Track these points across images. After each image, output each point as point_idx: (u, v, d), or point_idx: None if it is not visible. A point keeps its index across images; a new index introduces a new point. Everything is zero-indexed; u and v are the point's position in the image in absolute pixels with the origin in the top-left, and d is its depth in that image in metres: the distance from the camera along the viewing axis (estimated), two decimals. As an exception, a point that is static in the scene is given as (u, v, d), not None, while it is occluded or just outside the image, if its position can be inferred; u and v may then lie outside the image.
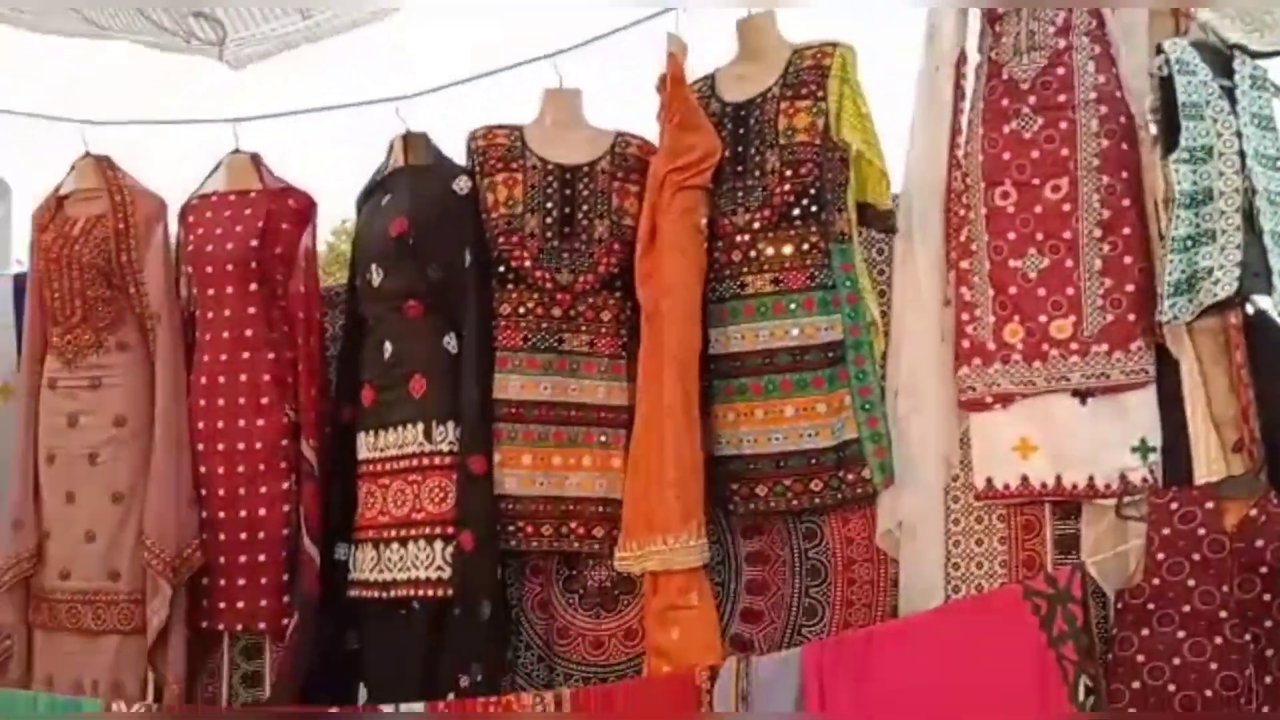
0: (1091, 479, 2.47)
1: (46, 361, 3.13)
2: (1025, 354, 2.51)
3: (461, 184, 2.96)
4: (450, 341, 2.91)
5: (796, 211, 2.71)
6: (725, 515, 2.87)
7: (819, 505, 2.72)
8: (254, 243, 3.08)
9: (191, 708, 3.05)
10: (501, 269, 2.89)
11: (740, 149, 2.79)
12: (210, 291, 3.11)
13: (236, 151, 3.24)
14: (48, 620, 3.05)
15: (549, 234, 2.89)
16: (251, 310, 3.09)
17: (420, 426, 2.89)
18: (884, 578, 2.78)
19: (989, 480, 2.57)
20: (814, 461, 2.67)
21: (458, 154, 3.05)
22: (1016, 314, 2.53)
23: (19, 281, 3.31)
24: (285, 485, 3.05)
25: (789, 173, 2.72)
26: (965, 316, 2.60)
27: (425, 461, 2.89)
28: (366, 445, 3.00)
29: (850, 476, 2.66)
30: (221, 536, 3.05)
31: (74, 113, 3.28)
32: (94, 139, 3.25)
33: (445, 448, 2.88)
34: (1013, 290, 2.53)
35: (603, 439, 2.88)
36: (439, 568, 2.84)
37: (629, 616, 2.96)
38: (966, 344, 2.59)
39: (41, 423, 3.10)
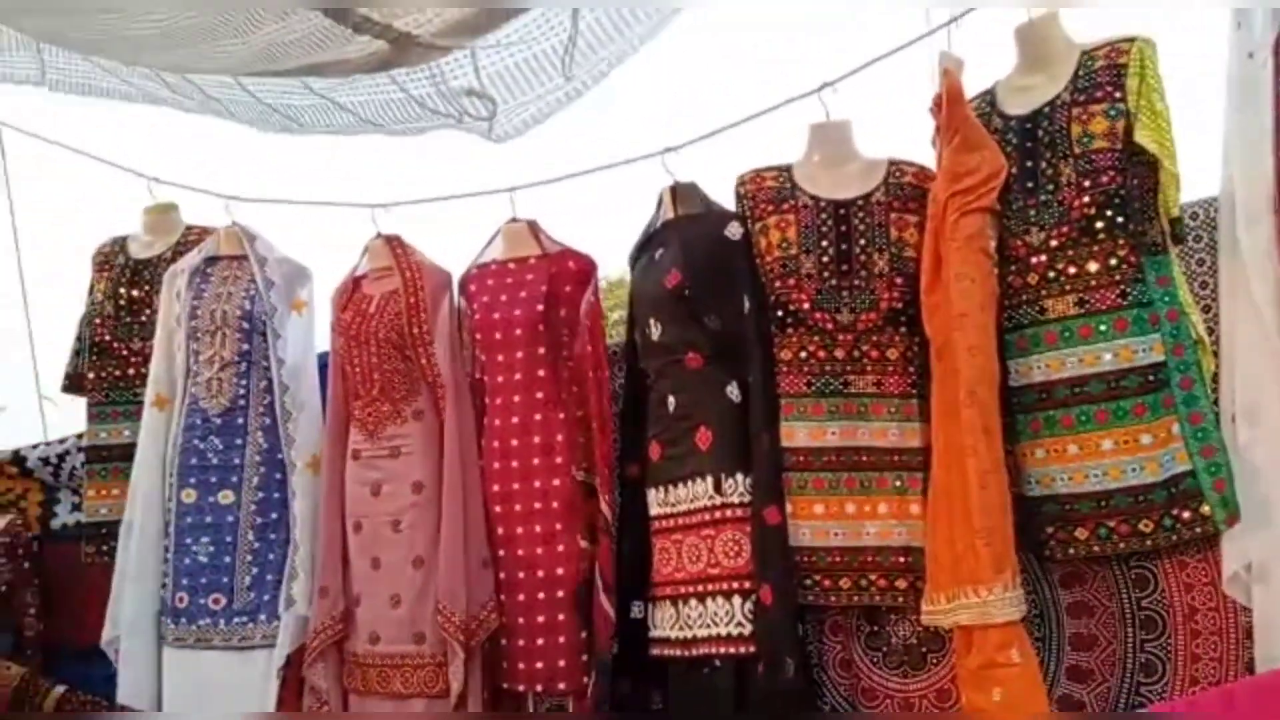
0: None
1: (350, 433, 3.28)
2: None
3: (733, 230, 2.91)
4: (733, 390, 2.84)
5: (1100, 224, 2.48)
6: (1040, 562, 2.64)
7: (1150, 547, 2.44)
8: (540, 307, 3.14)
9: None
10: (780, 313, 2.80)
11: (1029, 164, 2.59)
12: (500, 357, 3.18)
13: (514, 220, 3.32)
14: (360, 684, 3.16)
15: (826, 273, 2.78)
16: (541, 373, 3.13)
17: (710, 480, 2.83)
18: (1234, 628, 2.46)
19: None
20: (1141, 499, 2.41)
21: (726, 199, 3.00)
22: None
23: (321, 359, 3.50)
24: (583, 544, 3.06)
25: (1087, 183, 2.50)
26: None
27: (717, 515, 2.82)
28: (657, 501, 2.96)
29: (1186, 515, 2.38)
30: (520, 597, 3.08)
31: (362, 197, 3.47)
32: (381, 220, 3.42)
33: (736, 499, 2.80)
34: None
35: (898, 484, 2.71)
36: (739, 623, 2.75)
37: (940, 676, 2.76)
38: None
39: (348, 492, 3.25)
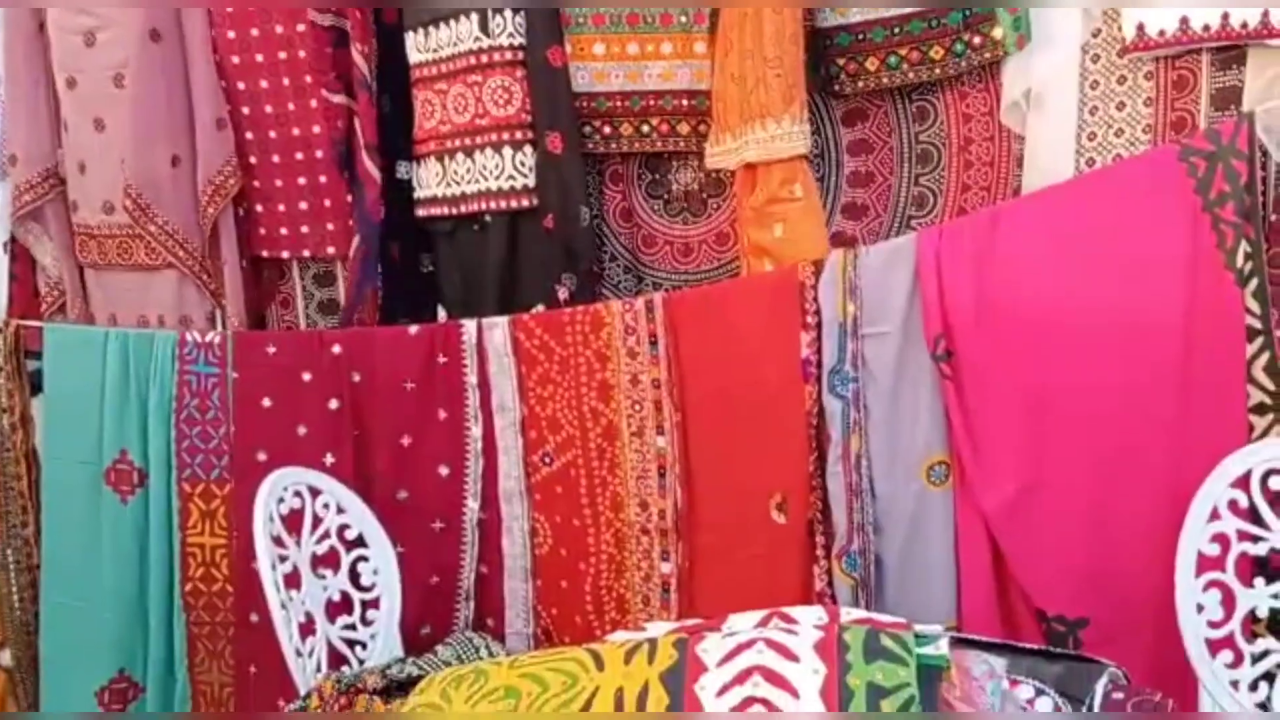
0: (1266, 17, 2.10)
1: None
2: None
3: None
4: (503, -92, 2.52)
5: None
6: (825, 100, 2.57)
7: (939, 76, 2.40)
8: None
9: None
10: None
11: None
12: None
13: None
14: (97, 257, 2.89)
15: None
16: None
17: (475, 18, 2.56)
18: (1007, 157, 2.49)
19: (1140, 28, 2.22)
20: (936, 24, 2.32)
21: None
22: None
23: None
24: (336, 99, 2.76)
25: None
26: None
27: (484, 59, 2.59)
28: (417, 47, 2.68)
29: (977, 40, 2.32)
30: (275, 159, 2.81)
31: None
32: None
33: (505, 41, 2.56)
34: None
35: (683, 20, 2.53)
36: (510, 176, 2.61)
37: (719, 220, 2.73)
38: None
39: (54, 42, 2.79)
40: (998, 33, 2.31)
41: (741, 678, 1.11)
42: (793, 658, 1.13)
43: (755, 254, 2.49)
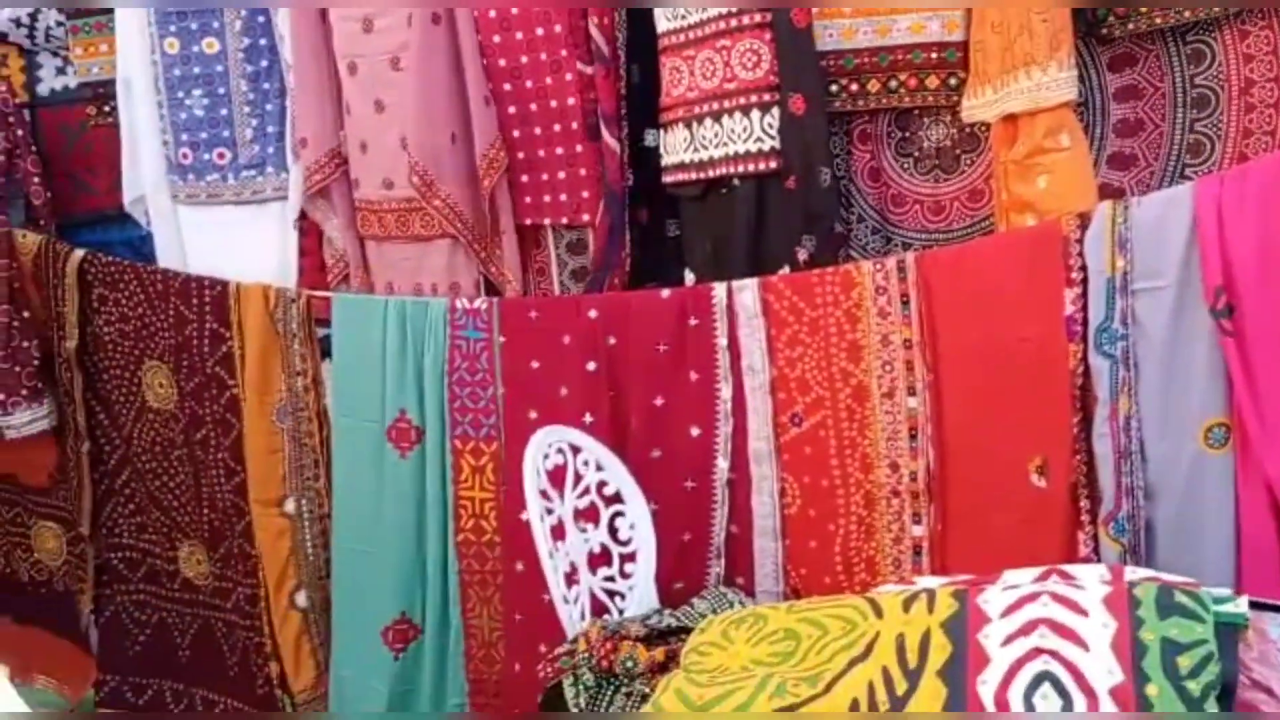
0: None
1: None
2: None
3: None
4: None
5: None
6: (1090, 44, 2.45)
7: (1216, 14, 2.24)
8: None
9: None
10: None
11: None
12: None
13: None
14: (376, 229, 3.10)
15: None
16: None
17: (725, -17, 2.59)
18: (1295, 97, 2.31)
19: None
20: (1216, -46, 2.18)
21: None
22: None
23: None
24: (587, 70, 2.85)
25: None
26: None
27: (733, 22, 2.61)
28: (665, 15, 2.74)
29: (1261, -30, 2.16)
30: (536, 130, 2.94)
31: None
32: None
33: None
34: None
35: (937, -31, 2.47)
36: (759, 139, 2.63)
37: (973, 176, 2.65)
38: None
39: (335, 29, 3.01)
40: (1287, -39, 2.15)
41: (1027, 629, 1.09)
42: (1081, 611, 1.11)
43: (1016, 209, 2.42)
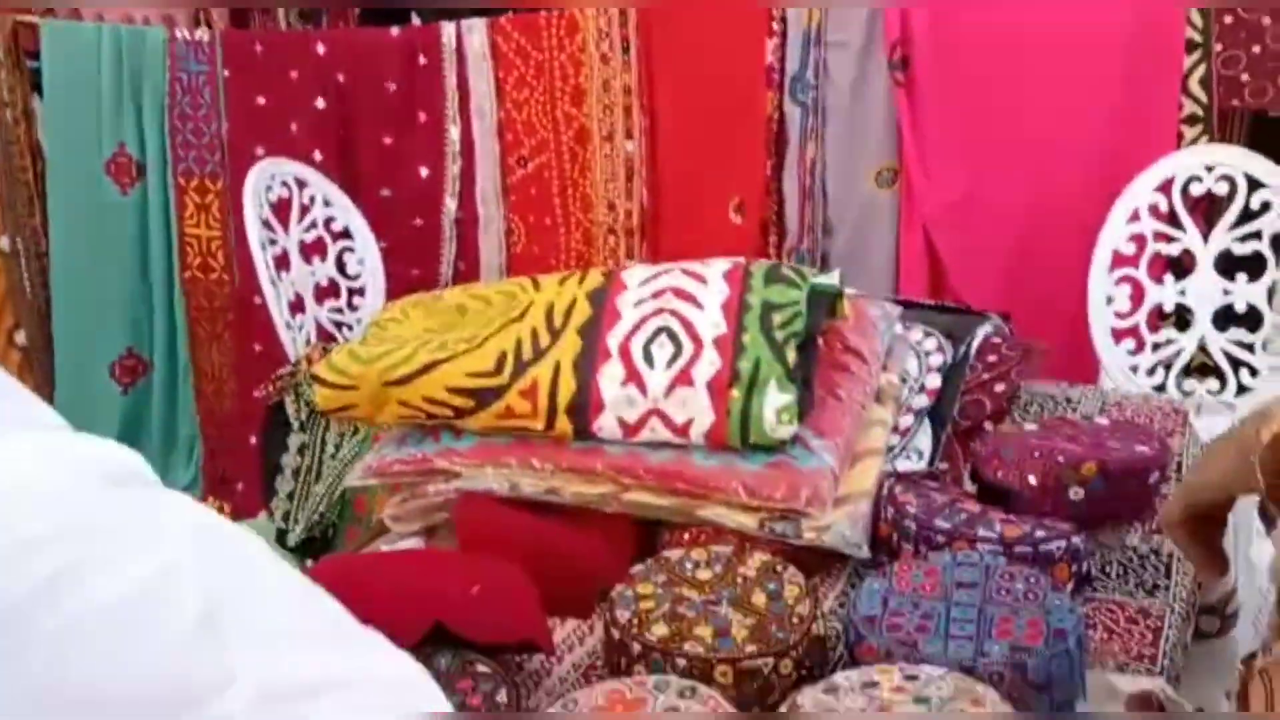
0: None
1: None
2: None
3: None
4: None
5: None
6: None
7: None
8: None
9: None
10: None
11: None
12: None
13: None
14: None
15: None
16: None
17: None
18: None
19: None
20: None
21: None
22: None
23: None
24: None
25: None
26: None
27: None
28: None
29: None
30: None
31: None
32: None
33: None
34: None
35: None
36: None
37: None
38: None
39: None
40: None
41: (657, 294, 1.26)
42: (701, 280, 1.29)
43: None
